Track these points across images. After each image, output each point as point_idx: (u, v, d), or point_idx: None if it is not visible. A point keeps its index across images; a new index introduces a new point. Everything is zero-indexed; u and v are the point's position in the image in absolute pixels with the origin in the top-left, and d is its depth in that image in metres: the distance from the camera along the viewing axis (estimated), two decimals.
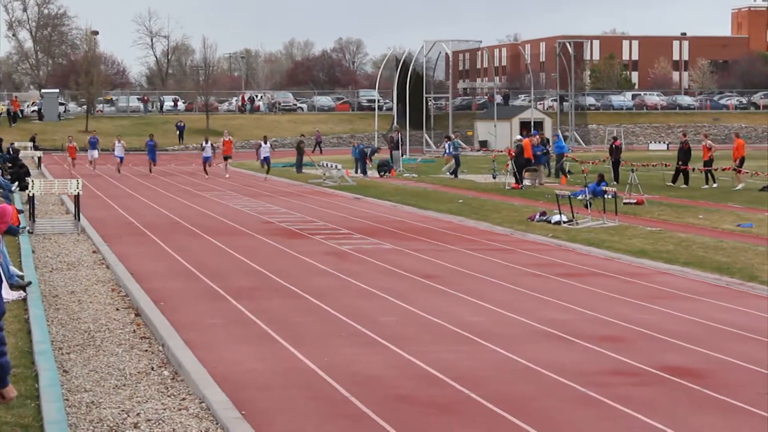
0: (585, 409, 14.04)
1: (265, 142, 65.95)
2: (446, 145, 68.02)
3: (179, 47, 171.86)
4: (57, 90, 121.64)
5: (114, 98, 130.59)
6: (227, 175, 64.74)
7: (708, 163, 52.54)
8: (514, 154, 54.92)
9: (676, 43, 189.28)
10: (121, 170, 67.03)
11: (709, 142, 54.48)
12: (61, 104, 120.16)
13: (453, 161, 62.75)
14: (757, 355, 17.01)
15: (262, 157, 64.80)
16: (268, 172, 63.91)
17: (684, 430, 12.99)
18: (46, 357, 16.26)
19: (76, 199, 36.89)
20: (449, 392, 14.82)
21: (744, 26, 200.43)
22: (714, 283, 24.47)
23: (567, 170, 58.70)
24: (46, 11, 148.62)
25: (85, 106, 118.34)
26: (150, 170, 68.66)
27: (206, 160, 66.50)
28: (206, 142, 67.50)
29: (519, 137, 60.10)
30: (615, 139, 60.83)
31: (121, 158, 67.51)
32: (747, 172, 52.62)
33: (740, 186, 50.10)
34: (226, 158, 66.60)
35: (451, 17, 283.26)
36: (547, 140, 63.03)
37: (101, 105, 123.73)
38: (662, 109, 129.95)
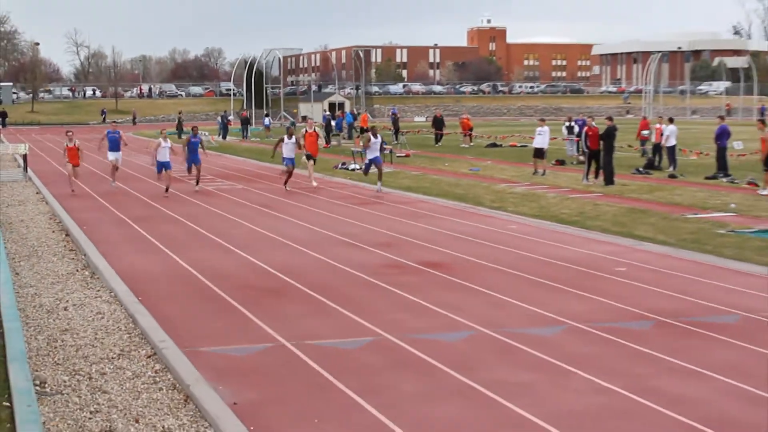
0: (369, 290, 14.16)
1: (290, 137, 29.15)
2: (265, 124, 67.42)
3: (96, 53, 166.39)
4: (11, 83, 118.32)
5: (51, 89, 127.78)
6: (315, 184, 30.45)
7: (470, 130, 52.74)
8: (324, 124, 54.93)
9: (431, 51, 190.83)
10: (170, 186, 28.48)
11: (467, 116, 54.96)
12: (14, 93, 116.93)
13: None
14: (482, 252, 17.35)
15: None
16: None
17: (435, 303, 13.19)
18: (2, 264, 15.79)
19: (24, 157, 35.93)
20: (279, 281, 14.80)
21: (475, 39, 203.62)
22: (454, 207, 24.84)
23: (358, 134, 58.55)
24: (2, 29, 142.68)
25: (31, 95, 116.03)
26: (197, 182, 29.61)
27: (289, 164, 29.06)
28: (290, 138, 29.08)
29: (327, 113, 59.82)
30: (394, 114, 61.05)
31: (167, 165, 28.37)
32: (476, 135, 53.35)
33: (468, 145, 50.58)
34: (309, 158, 30.74)
35: (282, 32, 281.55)
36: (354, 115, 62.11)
37: (42, 94, 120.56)
38: (422, 94, 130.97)
